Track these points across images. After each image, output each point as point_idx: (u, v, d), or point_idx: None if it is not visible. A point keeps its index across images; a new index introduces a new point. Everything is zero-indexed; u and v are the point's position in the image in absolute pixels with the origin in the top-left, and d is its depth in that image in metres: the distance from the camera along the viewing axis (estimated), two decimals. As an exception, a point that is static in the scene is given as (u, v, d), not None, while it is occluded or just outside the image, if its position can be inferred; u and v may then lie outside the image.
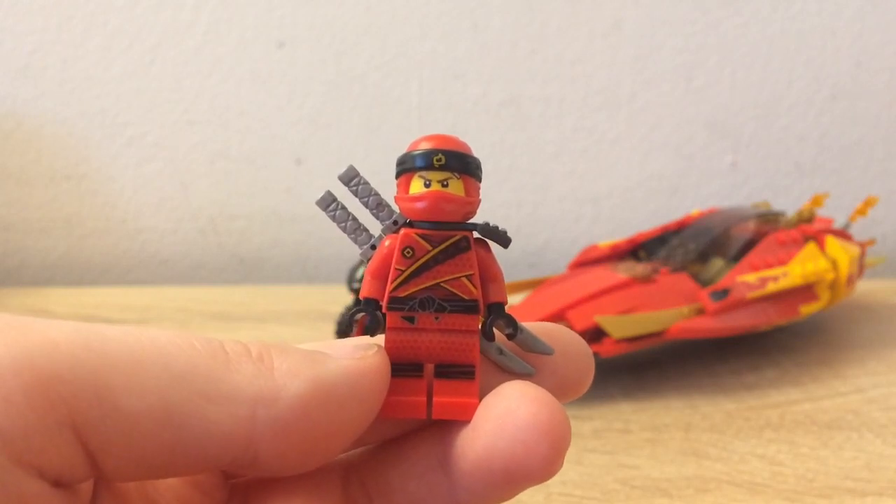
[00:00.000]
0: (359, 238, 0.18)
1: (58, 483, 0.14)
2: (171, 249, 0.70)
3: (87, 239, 0.70)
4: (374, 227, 0.18)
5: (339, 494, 0.17)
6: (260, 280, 0.70)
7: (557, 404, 0.15)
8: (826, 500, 0.31)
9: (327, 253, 0.70)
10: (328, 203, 0.18)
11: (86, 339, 0.14)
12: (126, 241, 0.70)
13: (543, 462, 0.15)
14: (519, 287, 0.47)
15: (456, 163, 0.16)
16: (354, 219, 0.18)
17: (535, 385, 0.16)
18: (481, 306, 0.17)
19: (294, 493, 0.17)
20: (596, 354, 0.40)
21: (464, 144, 0.17)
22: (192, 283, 0.70)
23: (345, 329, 0.18)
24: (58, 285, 0.69)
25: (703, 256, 0.47)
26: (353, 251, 0.18)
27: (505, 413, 0.15)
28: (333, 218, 0.18)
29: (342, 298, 0.51)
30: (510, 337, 0.17)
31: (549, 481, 0.33)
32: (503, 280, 0.17)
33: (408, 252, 0.17)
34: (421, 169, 0.16)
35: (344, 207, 0.18)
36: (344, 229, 0.18)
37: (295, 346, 0.16)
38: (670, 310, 0.42)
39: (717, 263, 0.47)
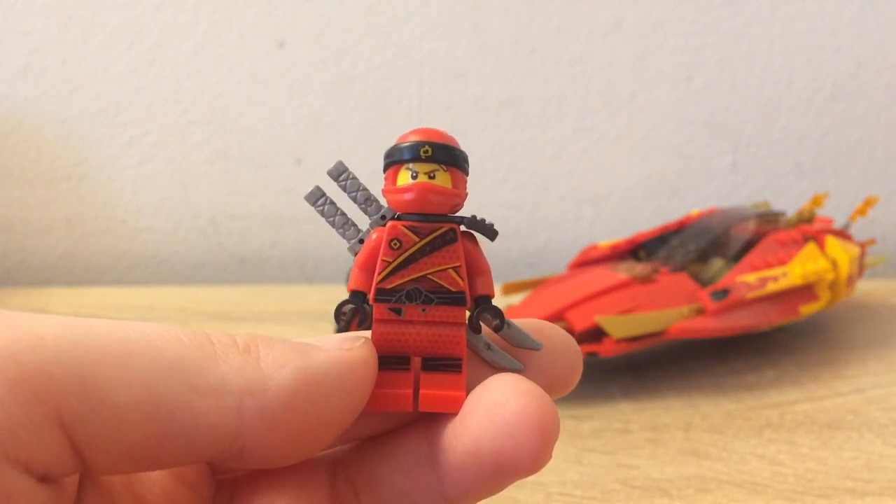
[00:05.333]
0: (347, 233, 0.18)
1: (44, 478, 0.14)
2: (171, 249, 0.70)
3: (87, 239, 0.70)
4: (363, 222, 0.18)
5: (326, 490, 0.17)
6: (260, 280, 0.70)
7: (546, 397, 0.15)
8: (826, 500, 0.31)
9: (327, 253, 0.70)
10: (317, 198, 0.18)
11: (71, 333, 0.14)
12: (126, 241, 0.70)
13: (532, 455, 0.15)
14: (519, 287, 0.47)
15: (443, 155, 0.16)
16: (343, 214, 0.18)
17: (523, 378, 0.16)
18: (468, 298, 0.17)
19: (281, 489, 0.17)
20: (596, 354, 0.40)
21: (451, 138, 0.17)
22: (192, 283, 0.70)
23: (340, 326, 0.18)
24: (58, 285, 0.69)
25: (703, 256, 0.47)
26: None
27: (493, 405, 0.15)
28: (322, 213, 0.18)
29: (342, 298, 0.50)
30: (497, 329, 0.17)
31: (549, 481, 0.33)
32: (490, 273, 0.17)
33: (395, 244, 0.17)
34: (408, 161, 0.16)
35: (332, 202, 0.18)
36: (332, 224, 0.18)
37: (282, 338, 0.16)
38: (670, 310, 0.42)
39: (717, 263, 0.47)
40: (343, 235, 0.18)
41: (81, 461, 0.14)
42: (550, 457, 0.15)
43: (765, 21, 0.68)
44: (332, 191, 0.18)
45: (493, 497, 0.16)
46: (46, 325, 0.14)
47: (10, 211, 0.69)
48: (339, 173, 0.18)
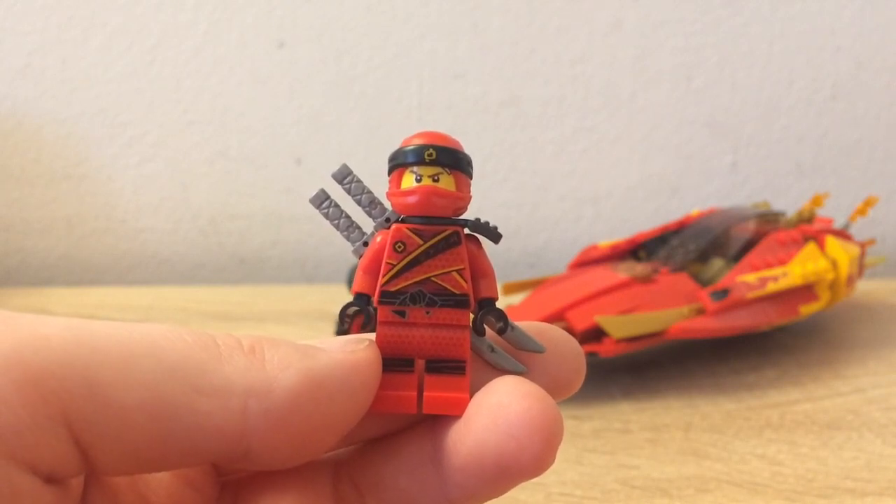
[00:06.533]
0: (351, 235, 0.18)
1: (50, 479, 0.14)
2: (171, 249, 0.70)
3: (87, 239, 0.69)
4: (368, 225, 0.18)
5: (329, 492, 0.17)
6: (260, 280, 0.70)
7: (550, 399, 0.15)
8: (826, 500, 0.31)
9: (327, 253, 0.70)
10: (321, 201, 0.18)
11: (76, 334, 0.14)
12: (126, 241, 0.70)
13: (535, 457, 0.15)
14: (519, 287, 0.47)
15: (447, 158, 0.16)
16: (347, 216, 0.18)
17: (526, 380, 0.16)
18: (472, 301, 0.17)
19: (285, 491, 0.17)
20: (596, 354, 0.40)
21: (455, 141, 0.17)
22: (192, 283, 0.70)
23: (343, 328, 0.18)
24: (58, 285, 0.69)
25: (703, 256, 0.47)
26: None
27: (497, 408, 0.15)
28: (326, 216, 0.18)
29: (342, 298, 0.50)
30: (501, 331, 0.17)
31: (549, 481, 0.33)
32: (494, 276, 0.17)
33: (399, 246, 0.17)
34: (412, 164, 0.16)
35: (337, 205, 0.18)
36: (337, 227, 0.18)
37: (286, 340, 0.16)
38: (670, 310, 0.42)
39: (717, 263, 0.47)
40: (347, 238, 0.18)
41: (87, 462, 0.14)
42: (554, 459, 0.15)
43: (765, 21, 0.68)
44: (337, 193, 0.18)
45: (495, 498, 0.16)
46: (51, 327, 0.14)
47: (10, 211, 0.69)
48: (344, 176, 0.18)
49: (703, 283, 0.45)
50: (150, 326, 0.15)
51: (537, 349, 0.17)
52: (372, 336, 0.17)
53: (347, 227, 0.18)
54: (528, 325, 0.18)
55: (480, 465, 0.15)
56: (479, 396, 0.16)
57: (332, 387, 0.15)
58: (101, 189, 0.69)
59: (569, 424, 0.38)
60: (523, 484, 0.34)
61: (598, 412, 0.40)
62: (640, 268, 0.46)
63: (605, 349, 0.40)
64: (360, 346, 0.16)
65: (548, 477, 0.33)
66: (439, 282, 0.17)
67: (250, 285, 0.68)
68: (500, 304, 0.18)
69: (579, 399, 0.41)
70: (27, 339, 0.13)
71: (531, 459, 0.15)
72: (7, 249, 0.69)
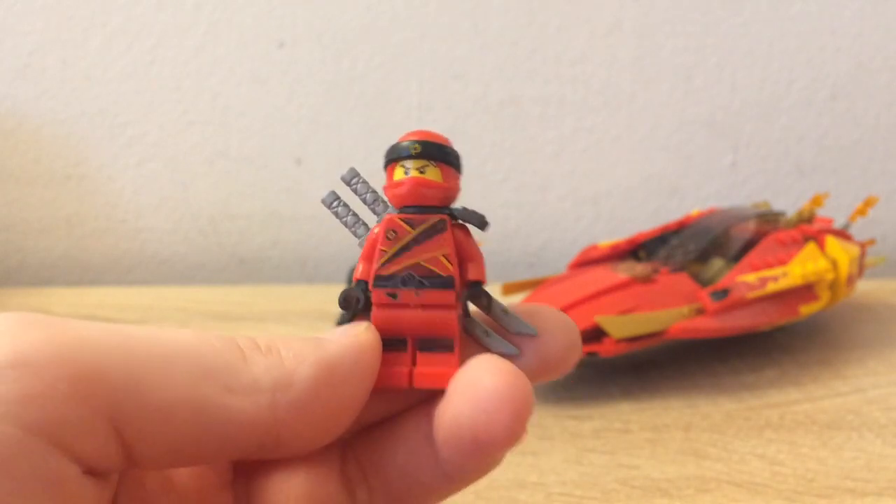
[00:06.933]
0: (357, 231, 0.20)
1: (90, 471, 0.15)
2: (171, 249, 0.70)
3: (87, 239, 0.70)
4: (373, 221, 0.19)
5: (336, 473, 0.18)
6: (260, 280, 0.70)
7: (520, 374, 0.16)
8: (826, 500, 0.31)
9: (327, 253, 0.70)
10: (331, 200, 0.20)
11: (119, 338, 0.15)
12: (126, 241, 0.70)
13: (505, 429, 0.16)
14: (519, 287, 0.47)
15: (432, 151, 0.18)
16: (354, 214, 0.20)
17: (500, 358, 0.17)
18: (457, 283, 0.18)
19: (295, 470, 0.18)
20: (596, 354, 0.40)
21: (442, 137, 0.19)
22: (192, 283, 0.70)
23: (346, 317, 0.19)
24: (58, 285, 0.69)
25: (703, 256, 0.47)
26: (352, 251, 0.19)
27: (468, 383, 0.16)
28: (336, 214, 0.20)
29: (342, 298, 0.50)
30: (486, 309, 0.19)
31: (549, 481, 0.33)
32: (481, 260, 0.19)
33: (391, 234, 0.18)
34: (401, 158, 0.18)
35: (345, 204, 0.20)
36: (345, 224, 0.20)
37: (295, 336, 0.17)
38: (670, 310, 0.42)
39: (717, 263, 0.47)
40: (354, 234, 0.20)
41: (127, 458, 0.15)
42: (525, 431, 0.16)
43: (765, 21, 0.68)
44: (345, 194, 0.20)
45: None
46: (98, 330, 0.15)
47: (10, 211, 0.69)
48: (352, 178, 0.20)
49: (703, 283, 0.45)
50: (181, 331, 0.16)
51: (529, 332, 0.18)
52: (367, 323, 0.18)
53: (354, 223, 0.20)
54: (522, 308, 0.19)
55: (458, 438, 0.16)
56: (458, 374, 0.17)
57: (344, 371, 0.17)
58: (101, 189, 0.69)
59: (569, 424, 0.38)
60: (522, 483, 0.34)
61: (598, 412, 0.40)
62: (640, 268, 0.46)
63: (605, 349, 0.40)
64: (361, 330, 0.18)
65: (548, 477, 0.33)
66: (427, 265, 0.18)
67: (250, 285, 0.68)
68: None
69: (579, 399, 0.41)
70: (78, 339, 0.14)
71: (502, 430, 0.16)
72: (7, 249, 0.69)
